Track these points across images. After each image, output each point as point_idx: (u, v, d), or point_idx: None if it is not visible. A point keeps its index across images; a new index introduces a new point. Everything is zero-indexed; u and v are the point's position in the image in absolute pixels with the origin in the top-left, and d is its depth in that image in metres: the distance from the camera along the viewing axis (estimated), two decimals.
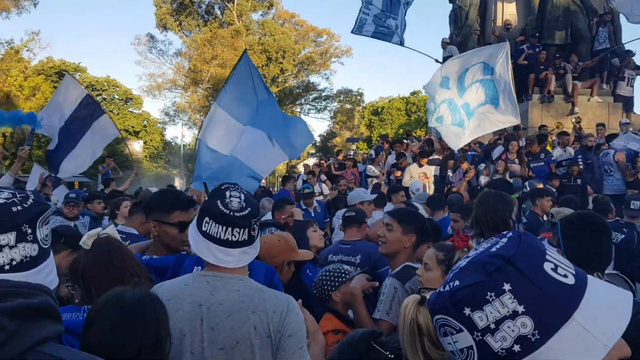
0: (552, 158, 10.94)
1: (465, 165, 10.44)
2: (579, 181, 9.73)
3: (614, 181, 9.99)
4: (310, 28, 45.13)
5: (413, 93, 45.32)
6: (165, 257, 2.84)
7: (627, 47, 14.94)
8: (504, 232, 1.09)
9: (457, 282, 1.01)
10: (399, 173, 11.48)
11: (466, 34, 15.78)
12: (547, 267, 0.98)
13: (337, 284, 3.00)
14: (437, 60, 15.56)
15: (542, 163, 10.64)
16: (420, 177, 10.66)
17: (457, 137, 8.95)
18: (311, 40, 45.41)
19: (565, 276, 0.98)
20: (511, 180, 9.72)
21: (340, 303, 2.98)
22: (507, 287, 0.95)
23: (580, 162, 10.25)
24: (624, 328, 0.95)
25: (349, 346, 1.54)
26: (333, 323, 2.88)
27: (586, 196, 9.30)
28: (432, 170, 11.23)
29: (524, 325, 0.94)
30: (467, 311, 0.97)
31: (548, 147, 11.58)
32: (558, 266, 0.99)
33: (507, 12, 15.57)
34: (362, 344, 1.54)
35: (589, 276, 1.04)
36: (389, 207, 7.35)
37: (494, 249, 1.03)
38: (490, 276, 0.97)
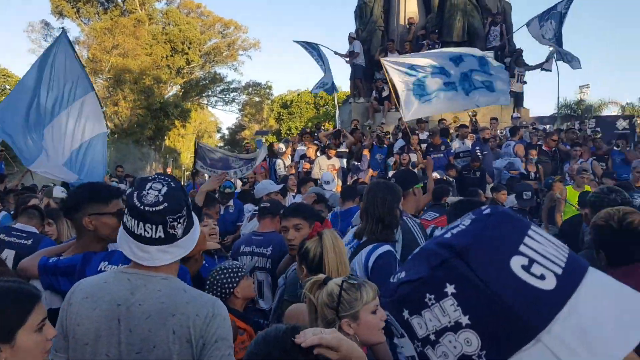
0: (452, 150, 11.58)
1: (366, 152, 10.83)
2: (478, 174, 10.39)
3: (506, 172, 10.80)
4: (216, 19, 44.21)
5: None
6: (74, 256, 2.70)
7: (516, 45, 16.05)
8: (483, 207, 0.81)
9: (402, 274, 0.79)
10: (307, 165, 11.63)
11: (371, 29, 16.19)
12: (516, 263, 0.71)
13: (237, 279, 3.01)
14: (336, 52, 15.93)
15: (442, 155, 11.25)
16: (329, 168, 10.86)
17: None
18: (218, 31, 44.53)
19: (541, 277, 0.71)
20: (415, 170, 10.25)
21: (241, 299, 3.01)
22: (450, 289, 0.72)
23: (479, 154, 10.93)
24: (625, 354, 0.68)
25: (275, 342, 1.52)
26: (236, 323, 2.86)
27: (484, 186, 9.95)
28: (339, 162, 11.50)
29: (467, 342, 0.71)
30: (405, 314, 0.76)
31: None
32: (534, 262, 0.71)
33: (410, 10, 16.15)
34: (290, 340, 1.53)
35: (591, 272, 0.75)
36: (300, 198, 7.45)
37: (448, 235, 0.78)
38: (432, 272, 0.74)
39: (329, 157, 11.31)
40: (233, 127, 55.30)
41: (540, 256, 0.73)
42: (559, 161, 11.28)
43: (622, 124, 20.19)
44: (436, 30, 15.12)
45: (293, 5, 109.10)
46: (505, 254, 0.72)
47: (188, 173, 28.35)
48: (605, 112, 37.58)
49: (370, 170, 10.72)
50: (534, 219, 6.91)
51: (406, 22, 15.85)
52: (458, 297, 0.72)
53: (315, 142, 13.20)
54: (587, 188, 7.77)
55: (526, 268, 0.71)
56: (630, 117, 22.50)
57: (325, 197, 6.25)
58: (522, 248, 0.73)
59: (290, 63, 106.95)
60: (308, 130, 15.93)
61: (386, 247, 3.05)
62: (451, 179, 9.74)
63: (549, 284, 0.71)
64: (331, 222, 5.32)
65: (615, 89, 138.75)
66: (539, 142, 11.82)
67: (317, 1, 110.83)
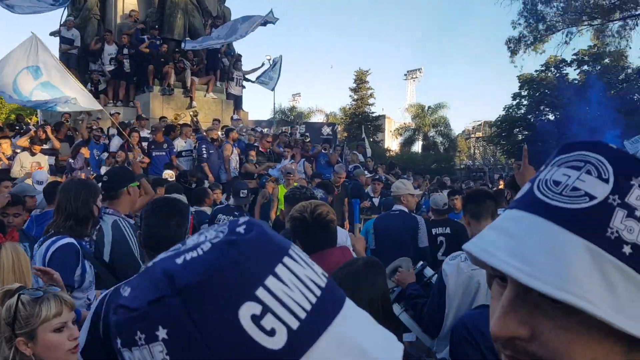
0: (174, 149, 11.44)
1: (85, 150, 10.04)
2: (194, 185, 10.54)
3: (224, 171, 11.23)
4: None
5: None
6: None
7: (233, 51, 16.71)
8: (239, 222, 0.63)
9: (127, 291, 0.61)
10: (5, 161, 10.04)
11: (85, 17, 14.88)
12: (246, 312, 0.56)
13: None
14: (52, 33, 14.35)
15: (164, 152, 11.05)
16: (34, 166, 9.63)
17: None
18: None
19: (270, 332, 0.57)
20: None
21: None
22: (162, 333, 0.56)
23: (204, 153, 11.03)
24: None
25: None
26: None
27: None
28: (47, 160, 10.30)
29: None
30: (118, 342, 0.60)
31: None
32: (268, 311, 0.57)
33: (128, 1, 15.38)
34: None
35: (340, 320, 0.62)
36: None
37: (180, 260, 0.60)
38: (147, 308, 0.58)
39: (32, 154, 10.00)
40: None
41: (278, 303, 0.58)
42: (273, 161, 12.13)
43: (326, 130, 22.87)
44: (157, 26, 14.70)
45: None
46: (236, 299, 0.56)
47: None
48: (314, 119, 42.32)
49: (82, 173, 9.80)
50: (247, 214, 7.31)
51: (124, 13, 15.05)
52: (169, 345, 0.56)
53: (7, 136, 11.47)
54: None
55: (256, 319, 0.56)
56: (333, 125, 25.66)
57: (21, 198, 5.42)
58: (259, 291, 0.57)
59: None
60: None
61: (67, 240, 2.99)
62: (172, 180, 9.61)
63: (278, 341, 0.57)
64: (27, 228, 4.69)
65: (322, 98, 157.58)
66: (255, 144, 12.56)
67: None
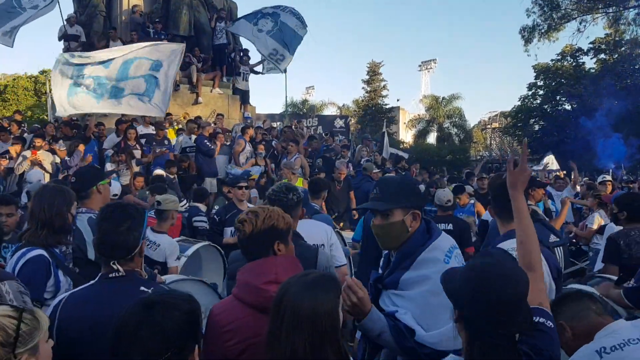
0: (174, 146, 11.41)
1: (82, 147, 10.03)
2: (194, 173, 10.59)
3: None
4: None
5: (43, 72, 41.02)
6: None
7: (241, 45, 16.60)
8: None
9: None
10: (4, 162, 9.91)
11: (91, 13, 14.89)
12: None
13: None
14: (60, 38, 14.33)
15: (166, 149, 10.97)
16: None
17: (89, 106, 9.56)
18: None
19: None
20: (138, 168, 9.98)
21: None
22: None
23: (209, 150, 10.96)
24: None
25: None
26: None
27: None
28: (52, 158, 10.32)
29: None
30: None
31: (172, 135, 11.96)
32: None
33: None
34: None
35: None
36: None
37: None
38: None
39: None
40: None
41: None
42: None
43: (339, 122, 22.78)
44: (157, 20, 14.58)
45: None
46: None
47: None
48: (326, 112, 42.17)
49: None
50: None
51: (130, 9, 15.03)
52: None
53: (18, 136, 11.46)
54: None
55: None
56: (345, 117, 25.55)
57: (13, 198, 5.39)
58: None
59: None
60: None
61: (37, 252, 2.93)
62: (172, 177, 9.60)
63: None
64: None
65: (335, 91, 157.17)
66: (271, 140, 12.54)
67: None
